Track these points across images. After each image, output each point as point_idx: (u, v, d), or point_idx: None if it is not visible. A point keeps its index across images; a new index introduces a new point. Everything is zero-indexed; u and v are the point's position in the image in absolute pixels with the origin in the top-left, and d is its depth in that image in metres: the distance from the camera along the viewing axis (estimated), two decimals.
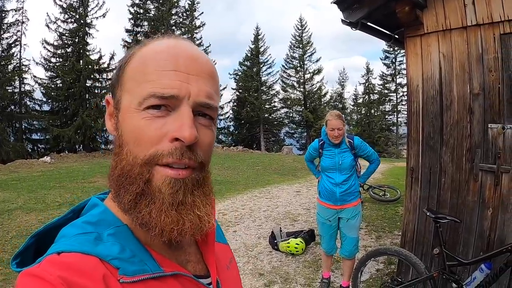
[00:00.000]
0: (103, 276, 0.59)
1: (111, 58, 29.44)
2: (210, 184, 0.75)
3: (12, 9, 27.77)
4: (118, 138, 0.69)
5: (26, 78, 29.27)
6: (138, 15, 34.04)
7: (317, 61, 45.06)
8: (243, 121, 43.01)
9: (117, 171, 0.68)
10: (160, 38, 0.73)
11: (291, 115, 45.63)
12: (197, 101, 0.67)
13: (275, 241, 6.04)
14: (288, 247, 5.80)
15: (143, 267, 0.64)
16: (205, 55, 0.74)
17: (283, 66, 45.50)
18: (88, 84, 28.43)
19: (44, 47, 29.60)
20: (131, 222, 0.69)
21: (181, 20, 36.48)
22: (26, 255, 0.68)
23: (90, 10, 29.69)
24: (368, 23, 4.31)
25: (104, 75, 28.70)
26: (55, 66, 29.54)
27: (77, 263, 0.58)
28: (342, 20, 4.22)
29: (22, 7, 28.35)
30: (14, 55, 28.40)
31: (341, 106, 47.46)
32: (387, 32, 4.68)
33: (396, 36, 4.71)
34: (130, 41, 33.40)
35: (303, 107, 44.20)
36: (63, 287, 0.54)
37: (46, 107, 30.14)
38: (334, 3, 4.12)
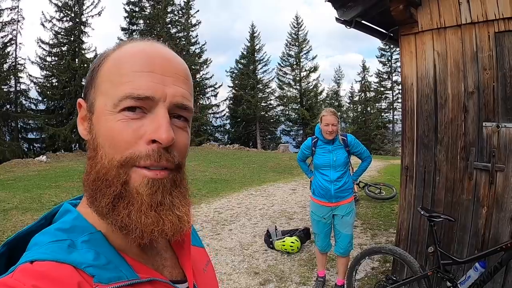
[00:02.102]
0: (78, 284, 0.57)
1: None
2: (187, 186, 0.74)
3: (7, 8, 27.72)
4: (92, 141, 0.68)
5: (21, 77, 29.24)
6: (134, 13, 33.97)
7: (313, 59, 45.15)
8: (239, 119, 42.99)
9: (92, 175, 0.67)
10: (135, 40, 0.72)
11: (287, 113, 45.62)
12: (173, 102, 0.67)
13: (271, 240, 6.03)
14: (284, 245, 5.80)
15: (118, 274, 0.63)
16: (180, 58, 0.73)
17: (279, 64, 45.55)
18: (83, 83, 28.30)
19: (40, 46, 29.58)
20: (105, 228, 0.68)
21: (176, 18, 36.41)
22: None
23: (86, 9, 29.67)
24: (363, 21, 4.30)
25: None
26: (51, 65, 29.50)
27: (51, 272, 0.57)
28: (336, 18, 4.21)
29: (18, 6, 28.27)
30: (10, 54, 28.33)
31: (337, 104, 47.44)
32: (382, 30, 4.67)
33: (391, 34, 4.70)
34: (126, 39, 33.31)
35: (299, 105, 44.22)
36: None
37: (41, 106, 30.12)
38: (328, 1, 4.10)
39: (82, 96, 0.74)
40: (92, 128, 0.69)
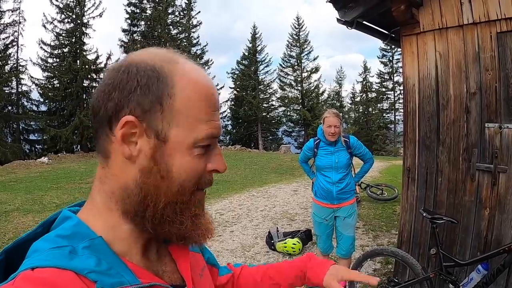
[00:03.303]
0: None
1: (108, 58, 29.50)
2: None
3: (8, 10, 27.73)
4: (160, 169, 0.69)
5: (23, 79, 29.30)
6: (135, 15, 33.95)
7: (314, 59, 45.10)
8: (240, 120, 42.98)
9: (163, 200, 0.70)
10: (188, 61, 0.75)
11: (288, 113, 45.58)
12: (220, 135, 0.76)
13: (272, 241, 6.02)
14: (285, 247, 5.78)
15: (120, 280, 0.63)
16: None
17: (280, 65, 45.51)
18: (85, 84, 28.43)
19: (41, 47, 29.61)
20: (105, 234, 0.68)
21: (178, 19, 36.40)
22: None
23: (87, 10, 29.68)
24: (364, 22, 4.28)
25: (101, 75, 28.62)
26: (52, 66, 29.53)
27: (53, 279, 0.56)
28: (337, 19, 4.19)
29: (19, 8, 28.31)
30: (11, 55, 28.37)
31: (338, 104, 47.42)
32: (383, 31, 4.65)
33: (393, 35, 4.68)
34: (127, 40, 33.36)
35: (300, 106, 44.19)
36: None
37: (43, 108, 30.17)
38: (329, 2, 4.08)
39: (112, 107, 0.69)
40: (162, 156, 0.69)
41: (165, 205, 0.70)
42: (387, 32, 4.62)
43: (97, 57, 29.44)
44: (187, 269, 0.80)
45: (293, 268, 1.18)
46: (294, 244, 5.78)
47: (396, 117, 45.13)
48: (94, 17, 29.86)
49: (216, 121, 0.73)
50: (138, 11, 34.12)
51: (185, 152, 0.69)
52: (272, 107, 45.14)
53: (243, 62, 44.54)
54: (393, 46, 35.12)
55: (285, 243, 5.82)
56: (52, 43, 29.62)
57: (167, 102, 0.68)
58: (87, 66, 27.77)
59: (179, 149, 0.69)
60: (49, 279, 0.56)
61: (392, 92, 45.65)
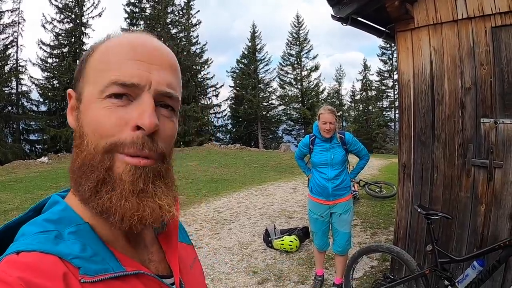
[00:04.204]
0: (63, 275, 0.57)
1: None
2: (173, 177, 0.74)
3: (7, 10, 27.74)
4: (79, 129, 0.68)
5: (23, 79, 29.35)
6: (134, 14, 33.99)
7: (314, 58, 45.11)
8: (240, 119, 43.03)
9: (78, 162, 0.67)
10: (124, 33, 0.73)
11: (288, 112, 45.60)
12: (158, 89, 0.67)
13: (269, 239, 6.00)
14: (282, 244, 5.77)
15: (104, 266, 0.62)
16: (167, 48, 0.74)
17: (280, 63, 45.53)
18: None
19: (41, 47, 29.66)
20: (93, 220, 0.67)
21: (177, 18, 36.38)
22: None
23: (86, 10, 29.77)
24: (359, 18, 4.26)
25: None
26: (52, 67, 29.61)
27: (37, 263, 0.56)
28: (332, 15, 4.18)
29: (18, 8, 28.31)
30: (11, 56, 28.39)
31: (338, 103, 47.39)
32: (379, 27, 4.62)
33: (388, 31, 4.66)
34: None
35: (300, 104, 44.21)
36: None
37: (43, 108, 30.24)
38: None
39: (72, 87, 0.74)
40: (79, 116, 0.69)
41: (78, 168, 0.67)
42: (382, 29, 4.60)
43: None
44: (175, 259, 0.78)
45: None
46: (291, 241, 5.76)
47: (396, 115, 45.05)
48: (93, 17, 29.98)
49: (132, 69, 0.65)
50: (137, 10, 34.15)
51: (94, 106, 0.66)
52: (272, 105, 45.23)
53: (243, 61, 44.59)
54: (393, 44, 35.12)
55: (282, 240, 5.80)
56: (52, 43, 29.70)
57: (83, 67, 0.71)
58: None
59: (89, 103, 0.67)
60: (32, 263, 0.56)
61: (392, 90, 45.61)
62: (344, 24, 4.17)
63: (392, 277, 3.69)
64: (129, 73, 0.65)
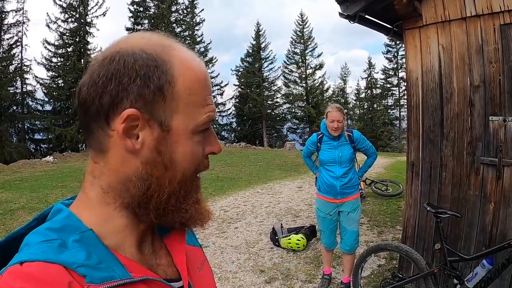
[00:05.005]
0: (68, 284, 0.56)
1: None
2: None
3: (12, 10, 27.78)
4: (163, 158, 0.69)
5: (27, 79, 29.43)
6: (138, 13, 34.05)
7: (318, 56, 44.90)
8: (245, 118, 42.97)
9: (167, 189, 0.70)
10: (181, 46, 0.74)
11: (293, 110, 45.48)
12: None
13: (276, 238, 6.00)
14: (289, 243, 5.77)
15: (111, 274, 0.61)
16: None
17: (284, 62, 45.36)
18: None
19: (45, 47, 29.74)
20: (98, 226, 0.66)
21: (181, 17, 36.41)
22: None
23: (90, 9, 29.78)
24: (366, 16, 4.25)
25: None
26: (57, 66, 29.67)
27: (41, 273, 0.55)
28: (339, 13, 4.16)
29: (23, 8, 28.38)
30: (16, 55, 28.49)
31: (343, 101, 47.19)
32: (386, 25, 4.61)
33: (395, 29, 4.64)
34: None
35: (305, 103, 44.10)
36: None
37: (48, 107, 30.31)
38: None
39: (131, 107, 0.66)
40: (166, 147, 0.68)
41: (169, 195, 0.70)
42: (390, 26, 4.59)
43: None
44: (183, 262, 0.77)
45: None
46: (298, 240, 5.76)
47: (401, 113, 44.91)
48: (97, 16, 29.98)
49: (212, 104, 0.73)
50: (141, 9, 34.19)
51: (188, 140, 0.70)
52: (277, 104, 45.10)
53: (247, 59, 44.50)
54: (398, 42, 34.98)
55: (289, 239, 5.80)
56: (56, 43, 29.76)
57: (168, 90, 0.67)
58: None
59: (181, 137, 0.69)
60: (36, 274, 0.55)
61: (397, 88, 45.41)
62: (352, 22, 4.16)
63: (400, 276, 3.68)
64: (213, 109, 0.72)
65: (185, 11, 37.06)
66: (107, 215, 0.69)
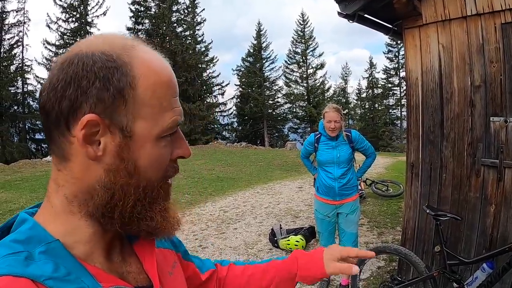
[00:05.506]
0: None
1: None
2: None
3: (13, 10, 27.84)
4: (126, 166, 0.65)
5: (28, 78, 29.54)
6: (139, 13, 34.06)
7: (319, 55, 44.99)
8: (246, 117, 43.07)
9: (132, 196, 0.67)
10: (145, 48, 0.69)
11: (294, 110, 45.54)
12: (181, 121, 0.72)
13: (275, 239, 5.97)
14: (288, 244, 5.73)
15: (80, 285, 0.59)
16: None
17: (285, 61, 45.46)
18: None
19: (46, 47, 29.83)
20: (64, 237, 0.64)
21: (182, 17, 36.41)
22: None
23: (91, 9, 29.89)
24: (366, 15, 4.19)
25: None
26: None
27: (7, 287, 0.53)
28: (338, 12, 4.12)
29: (23, 8, 28.43)
30: (16, 55, 28.55)
31: (344, 100, 47.20)
32: (386, 24, 4.55)
33: (395, 28, 4.59)
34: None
35: (306, 103, 44.14)
36: None
37: None
38: None
39: (68, 107, 0.62)
40: (129, 153, 0.65)
41: (135, 202, 0.67)
42: (389, 26, 4.53)
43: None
44: (154, 268, 0.76)
45: (281, 271, 1.12)
46: (297, 241, 5.72)
47: (403, 113, 44.87)
48: (98, 16, 30.10)
49: (179, 107, 0.70)
50: (142, 9, 34.19)
51: (153, 145, 0.66)
52: (278, 103, 45.22)
53: (248, 59, 44.59)
54: (399, 42, 34.93)
55: (288, 240, 5.76)
56: (57, 43, 29.85)
57: (129, 93, 0.63)
58: None
59: (146, 142, 0.65)
60: None
61: (398, 88, 45.42)
62: (351, 21, 4.11)
63: (399, 279, 3.63)
64: (179, 112, 0.69)
65: (186, 11, 37.09)
66: (73, 225, 0.66)
